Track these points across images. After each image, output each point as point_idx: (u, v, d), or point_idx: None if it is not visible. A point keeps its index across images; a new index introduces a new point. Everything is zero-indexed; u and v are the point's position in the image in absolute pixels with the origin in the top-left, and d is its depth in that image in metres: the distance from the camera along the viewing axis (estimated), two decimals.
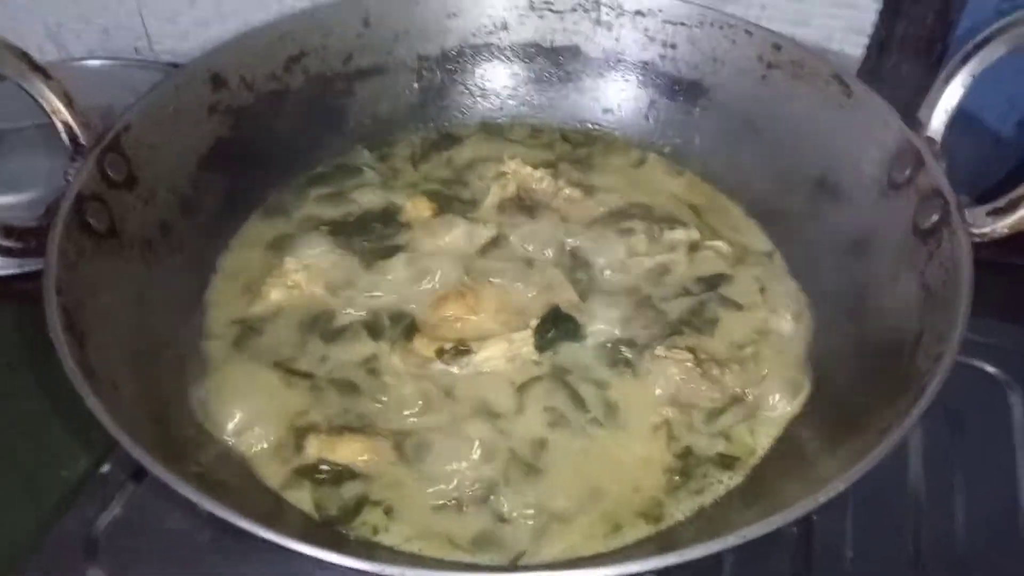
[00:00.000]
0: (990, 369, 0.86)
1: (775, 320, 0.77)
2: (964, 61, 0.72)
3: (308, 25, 0.89)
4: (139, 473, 0.73)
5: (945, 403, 0.80)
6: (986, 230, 0.66)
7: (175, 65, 1.15)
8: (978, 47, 0.71)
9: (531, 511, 0.65)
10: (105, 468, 0.74)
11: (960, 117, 0.74)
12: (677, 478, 0.67)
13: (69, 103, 0.71)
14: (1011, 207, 0.65)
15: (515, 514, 0.64)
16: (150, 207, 0.75)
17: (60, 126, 0.71)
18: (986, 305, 0.81)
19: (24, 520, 0.72)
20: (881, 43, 0.93)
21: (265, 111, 0.87)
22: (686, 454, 0.69)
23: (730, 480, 0.67)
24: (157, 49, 1.23)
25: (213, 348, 0.74)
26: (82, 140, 0.71)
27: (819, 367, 0.74)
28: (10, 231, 0.64)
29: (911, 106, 0.75)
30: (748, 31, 0.87)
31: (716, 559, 0.71)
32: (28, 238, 0.65)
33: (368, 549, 0.60)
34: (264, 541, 0.49)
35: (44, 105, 0.70)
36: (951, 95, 0.73)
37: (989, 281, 0.66)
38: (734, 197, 0.90)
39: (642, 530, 0.64)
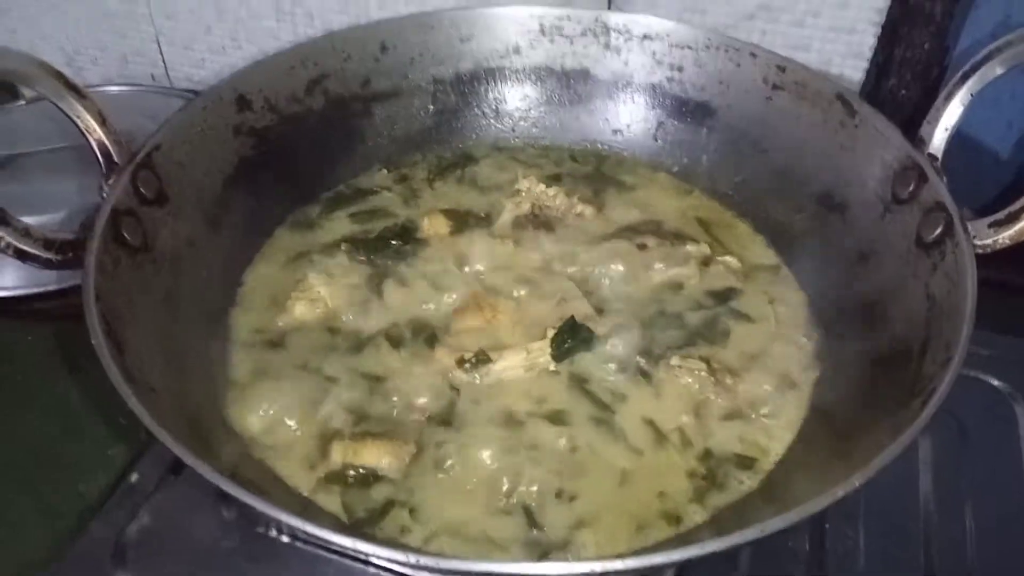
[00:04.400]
0: (995, 382, 0.87)
1: (784, 331, 0.79)
2: (963, 80, 0.75)
3: (328, 50, 0.92)
4: (165, 480, 0.75)
5: (953, 415, 0.83)
6: (988, 241, 0.68)
7: (192, 92, 1.19)
8: (976, 67, 0.74)
9: (552, 514, 0.66)
10: (133, 477, 0.76)
11: (961, 139, 0.76)
12: (702, 481, 0.69)
13: (103, 122, 0.74)
14: (1011, 219, 0.68)
15: (539, 517, 0.66)
16: (179, 223, 0.77)
17: (94, 144, 0.74)
18: (991, 320, 0.83)
19: (43, 535, 0.73)
20: (880, 67, 0.96)
21: (287, 132, 0.90)
22: (706, 456, 0.70)
23: (750, 480, 0.69)
24: (173, 76, 1.26)
25: (240, 358, 0.77)
26: (116, 158, 0.74)
27: (829, 374, 0.75)
28: (50, 244, 0.67)
29: (911, 126, 0.78)
30: (753, 53, 0.90)
31: (731, 565, 0.72)
32: (67, 250, 0.67)
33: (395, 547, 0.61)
34: (287, 547, 0.51)
35: (79, 124, 0.73)
36: (951, 113, 0.76)
37: (994, 297, 0.68)
38: (741, 214, 0.92)
39: (664, 531, 0.65)
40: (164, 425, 0.55)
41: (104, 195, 0.71)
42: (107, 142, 0.74)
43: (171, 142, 0.78)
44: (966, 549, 0.74)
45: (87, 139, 0.74)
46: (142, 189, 0.73)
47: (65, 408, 0.81)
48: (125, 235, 0.70)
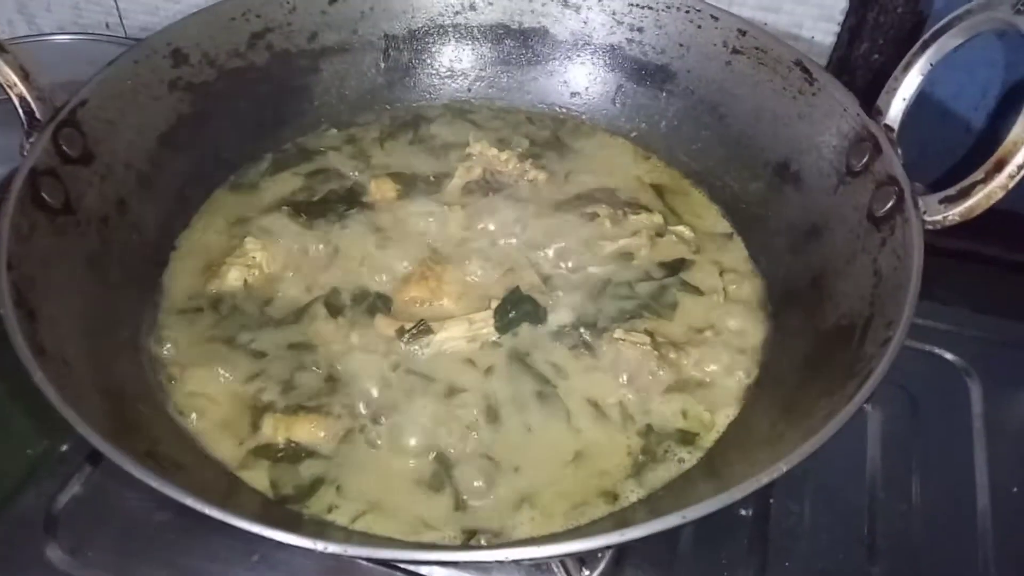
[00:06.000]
0: (948, 356, 0.87)
1: (732, 304, 0.78)
2: (922, 49, 0.73)
3: (272, 1, 0.88)
4: (96, 454, 0.73)
5: (905, 389, 0.83)
6: (938, 217, 0.67)
7: None
8: (935, 36, 0.72)
9: (487, 492, 0.65)
10: (65, 447, 0.74)
11: (932, 106, 0.74)
12: (641, 457, 0.68)
13: (25, 76, 0.70)
14: (962, 195, 0.66)
15: (472, 495, 0.65)
16: (107, 183, 0.74)
17: (15, 100, 0.70)
18: (944, 293, 0.82)
19: None
20: (851, 31, 0.93)
21: (228, 88, 0.86)
22: (647, 432, 0.69)
23: (690, 456, 0.68)
24: (128, 25, 1.21)
25: (169, 327, 0.74)
26: (38, 115, 0.70)
27: (773, 350, 0.74)
28: None
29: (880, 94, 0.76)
30: (714, 16, 0.87)
31: (673, 538, 0.72)
32: None
33: (320, 528, 0.60)
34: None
35: None
36: (909, 83, 0.74)
37: (950, 269, 0.67)
38: (698, 182, 0.91)
39: (600, 509, 0.64)
40: (72, 402, 0.53)
41: (24, 154, 0.68)
42: (29, 98, 0.70)
43: (99, 98, 0.74)
44: (911, 524, 0.75)
45: (8, 94, 0.70)
46: (65, 147, 0.70)
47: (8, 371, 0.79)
48: (45, 196, 0.67)
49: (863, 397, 0.55)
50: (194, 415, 0.68)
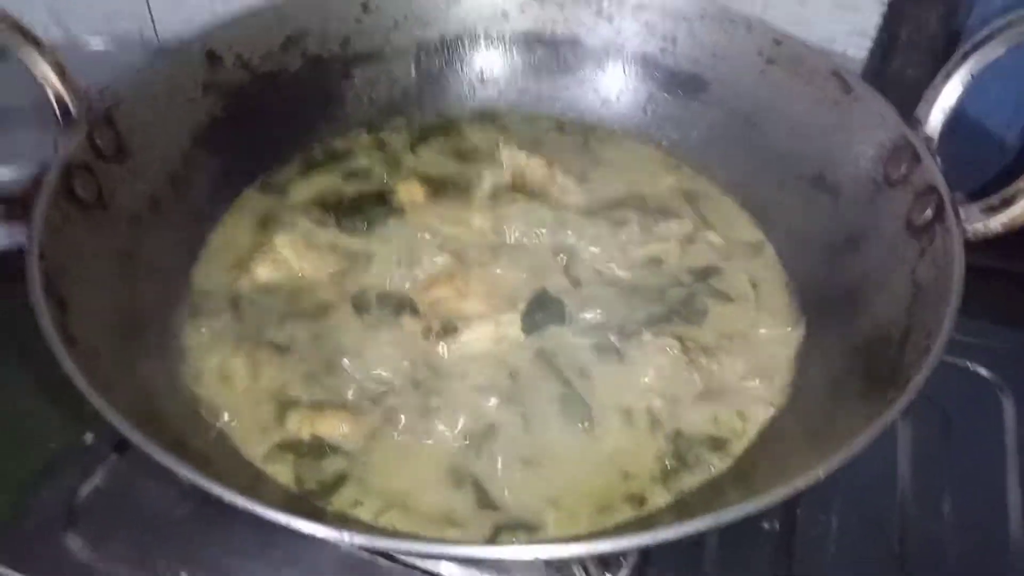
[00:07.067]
0: (982, 371, 0.86)
1: (764, 312, 0.77)
2: (963, 60, 0.71)
3: (306, 7, 0.89)
4: (121, 444, 0.73)
5: (937, 404, 0.81)
6: (979, 226, 0.65)
7: None
8: (976, 46, 0.71)
9: (512, 492, 0.64)
10: (88, 438, 0.74)
11: (965, 122, 0.73)
12: (669, 462, 0.67)
13: (62, 73, 0.71)
14: (1004, 204, 0.65)
15: (497, 494, 0.64)
16: (140, 181, 0.75)
17: (52, 96, 0.71)
18: (979, 308, 0.80)
19: (8, 489, 0.72)
20: (885, 46, 0.93)
21: (261, 91, 0.87)
22: (676, 436, 0.68)
23: (720, 462, 0.67)
24: (161, 33, 1.23)
25: (198, 321, 0.74)
26: (73, 112, 0.71)
27: (806, 359, 0.73)
28: None
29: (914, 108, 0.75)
30: (749, 26, 0.86)
31: (698, 547, 0.70)
32: (14, 205, 0.65)
33: (343, 522, 0.59)
34: (242, 513, 0.49)
35: (36, 74, 0.70)
36: (949, 93, 0.72)
37: (983, 286, 0.66)
38: (729, 191, 0.89)
39: (626, 513, 0.63)
40: (101, 390, 0.53)
41: (58, 150, 0.68)
42: (65, 96, 0.71)
43: (134, 97, 0.75)
44: (942, 542, 0.73)
45: (45, 91, 0.71)
46: (99, 144, 0.70)
47: (35, 363, 0.79)
48: (78, 190, 0.67)
49: (903, 405, 0.54)
50: (219, 410, 0.68)
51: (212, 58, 0.83)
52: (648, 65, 0.94)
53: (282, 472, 0.64)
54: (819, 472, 0.51)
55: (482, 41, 0.97)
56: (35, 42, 0.70)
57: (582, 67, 0.97)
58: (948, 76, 0.72)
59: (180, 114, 0.80)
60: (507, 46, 0.97)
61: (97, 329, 0.62)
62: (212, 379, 0.70)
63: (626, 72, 0.95)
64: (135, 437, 0.51)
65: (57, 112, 0.71)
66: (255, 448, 0.66)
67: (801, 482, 0.50)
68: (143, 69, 0.78)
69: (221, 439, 0.66)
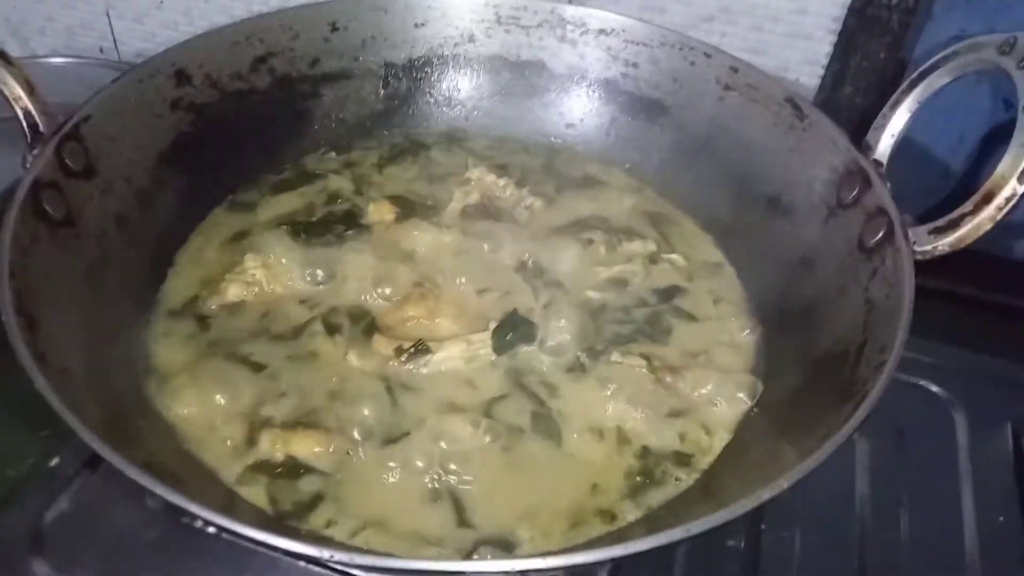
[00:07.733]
0: (935, 388, 0.88)
1: (726, 331, 0.79)
2: (910, 88, 0.75)
3: (275, 27, 0.90)
4: (88, 466, 0.72)
5: (892, 420, 0.84)
6: (928, 248, 0.68)
7: None
8: (923, 75, 0.75)
9: (485, 510, 0.65)
10: (54, 462, 0.73)
11: (912, 149, 0.77)
12: (638, 478, 0.68)
13: (31, 91, 0.71)
14: (951, 226, 0.68)
15: (471, 512, 0.65)
16: (108, 198, 0.74)
17: (20, 113, 0.71)
18: (930, 328, 0.83)
19: None
20: (836, 74, 0.97)
21: (229, 109, 0.87)
22: (644, 453, 0.70)
23: (687, 477, 0.68)
24: (122, 50, 1.22)
25: (168, 340, 0.74)
26: (42, 128, 0.71)
27: (767, 374, 0.75)
28: None
29: (864, 135, 0.78)
30: (707, 53, 0.89)
31: (667, 566, 0.71)
32: None
33: (318, 541, 0.59)
34: (213, 537, 0.49)
35: (4, 91, 0.70)
36: (897, 120, 0.76)
37: (933, 307, 0.69)
38: (690, 213, 0.92)
39: (598, 528, 0.64)
40: (73, 408, 0.52)
41: (27, 166, 0.68)
42: (33, 111, 0.71)
43: (102, 114, 0.75)
44: (899, 554, 0.75)
45: (13, 107, 0.70)
46: (68, 161, 0.70)
47: None
48: (47, 208, 0.67)
49: (860, 418, 0.56)
50: (192, 429, 0.67)
51: (181, 76, 0.83)
52: (611, 90, 0.97)
53: (255, 494, 0.64)
54: (783, 483, 0.53)
55: (450, 64, 0.99)
56: (3, 57, 0.70)
57: (547, 91, 0.99)
58: (896, 104, 0.76)
59: (148, 131, 0.80)
60: (474, 69, 0.99)
61: (67, 348, 0.61)
62: (182, 399, 0.69)
63: (590, 96, 0.98)
64: (108, 455, 0.50)
65: (26, 128, 0.70)
66: (228, 469, 0.65)
67: (767, 492, 0.52)
68: (110, 84, 0.77)
69: (192, 460, 0.65)
